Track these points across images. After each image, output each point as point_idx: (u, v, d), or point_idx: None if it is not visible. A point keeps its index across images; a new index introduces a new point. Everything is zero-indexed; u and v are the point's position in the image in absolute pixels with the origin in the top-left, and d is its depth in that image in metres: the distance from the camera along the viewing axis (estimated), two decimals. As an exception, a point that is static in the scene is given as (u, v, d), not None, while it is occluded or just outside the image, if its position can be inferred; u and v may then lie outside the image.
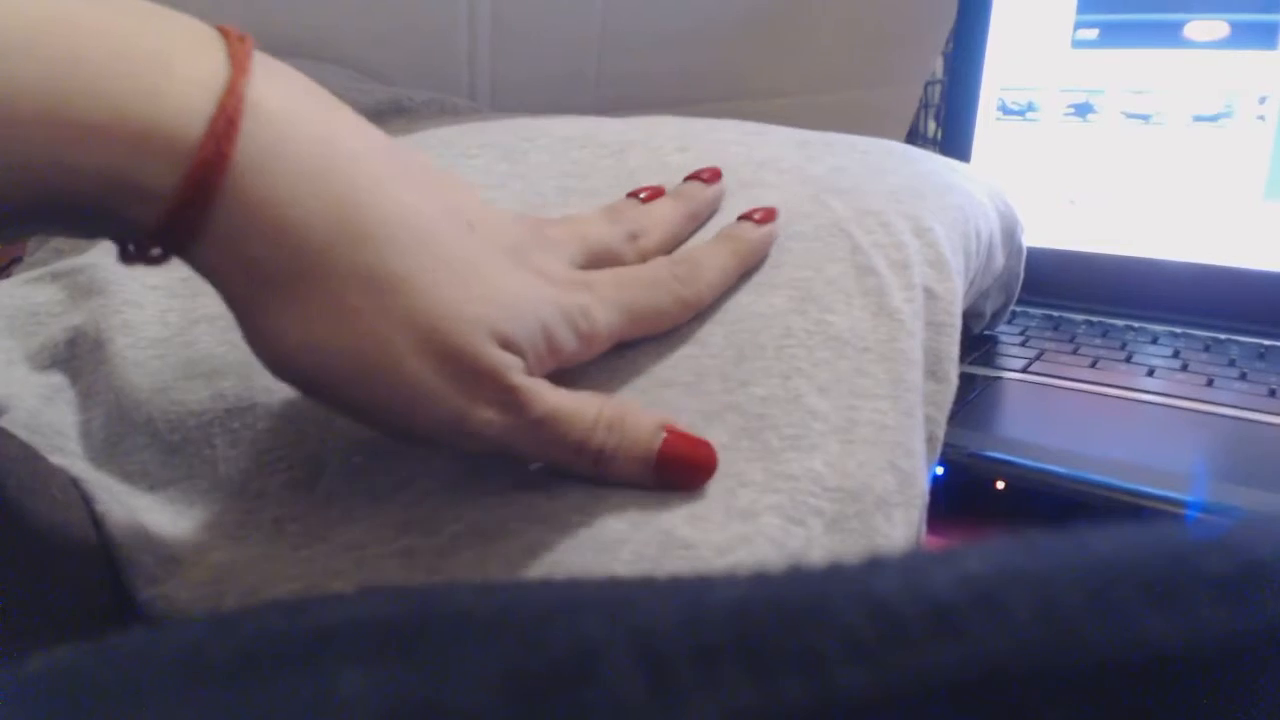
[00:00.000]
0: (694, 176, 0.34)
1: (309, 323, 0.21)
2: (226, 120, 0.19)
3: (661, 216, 0.32)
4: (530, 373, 0.24)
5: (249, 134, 0.20)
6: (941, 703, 0.12)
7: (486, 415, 0.23)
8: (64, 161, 0.19)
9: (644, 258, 0.30)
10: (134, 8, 0.20)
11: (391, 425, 0.23)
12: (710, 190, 0.34)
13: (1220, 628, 0.12)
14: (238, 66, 0.20)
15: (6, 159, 0.19)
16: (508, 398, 0.23)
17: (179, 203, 0.19)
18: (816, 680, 0.12)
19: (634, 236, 0.31)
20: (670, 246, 0.32)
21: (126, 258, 0.21)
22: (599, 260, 0.29)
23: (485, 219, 0.25)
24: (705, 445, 0.26)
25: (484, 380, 0.22)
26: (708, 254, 0.31)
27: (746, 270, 0.31)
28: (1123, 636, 0.12)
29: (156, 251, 0.21)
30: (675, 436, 0.26)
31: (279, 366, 0.22)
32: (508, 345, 0.23)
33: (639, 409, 0.26)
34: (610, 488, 0.25)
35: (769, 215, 0.33)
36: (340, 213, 0.21)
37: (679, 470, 0.25)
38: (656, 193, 0.33)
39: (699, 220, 0.33)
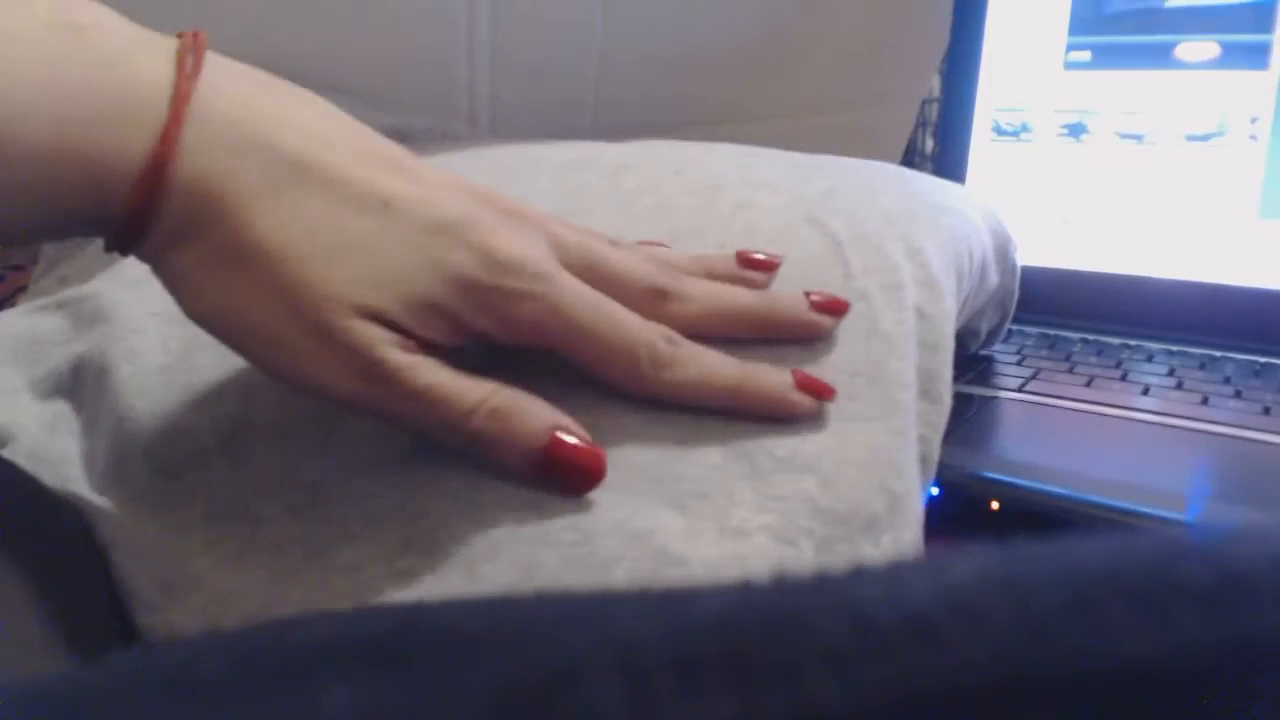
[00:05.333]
0: (807, 293, 0.30)
1: (209, 290, 0.24)
2: (167, 140, 0.23)
3: (720, 298, 0.29)
4: (411, 347, 0.24)
5: (187, 141, 0.23)
6: (920, 712, 0.12)
7: (353, 385, 0.24)
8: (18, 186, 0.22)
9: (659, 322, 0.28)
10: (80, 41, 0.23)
11: (289, 382, 0.25)
12: (806, 317, 0.30)
13: (1199, 638, 0.12)
14: (179, 92, 0.23)
15: None
16: (374, 371, 0.24)
17: (134, 200, 0.23)
18: (795, 690, 0.12)
19: (663, 293, 0.28)
20: (702, 337, 0.28)
21: (107, 246, 0.24)
22: (601, 287, 0.27)
23: (411, 195, 0.25)
24: (594, 454, 0.26)
25: (348, 354, 0.24)
26: (709, 360, 0.28)
27: (736, 408, 0.28)
28: (1102, 646, 0.12)
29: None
30: (560, 442, 0.25)
31: (194, 319, 0.25)
32: (380, 320, 0.24)
33: (536, 405, 0.26)
34: (606, 506, 0.26)
35: (818, 388, 0.28)
36: (235, 195, 0.23)
37: (560, 473, 0.25)
38: (769, 265, 0.31)
39: (765, 333, 0.30)
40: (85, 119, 0.22)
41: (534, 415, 0.26)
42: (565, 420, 0.26)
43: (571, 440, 0.26)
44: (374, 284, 0.24)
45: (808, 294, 0.31)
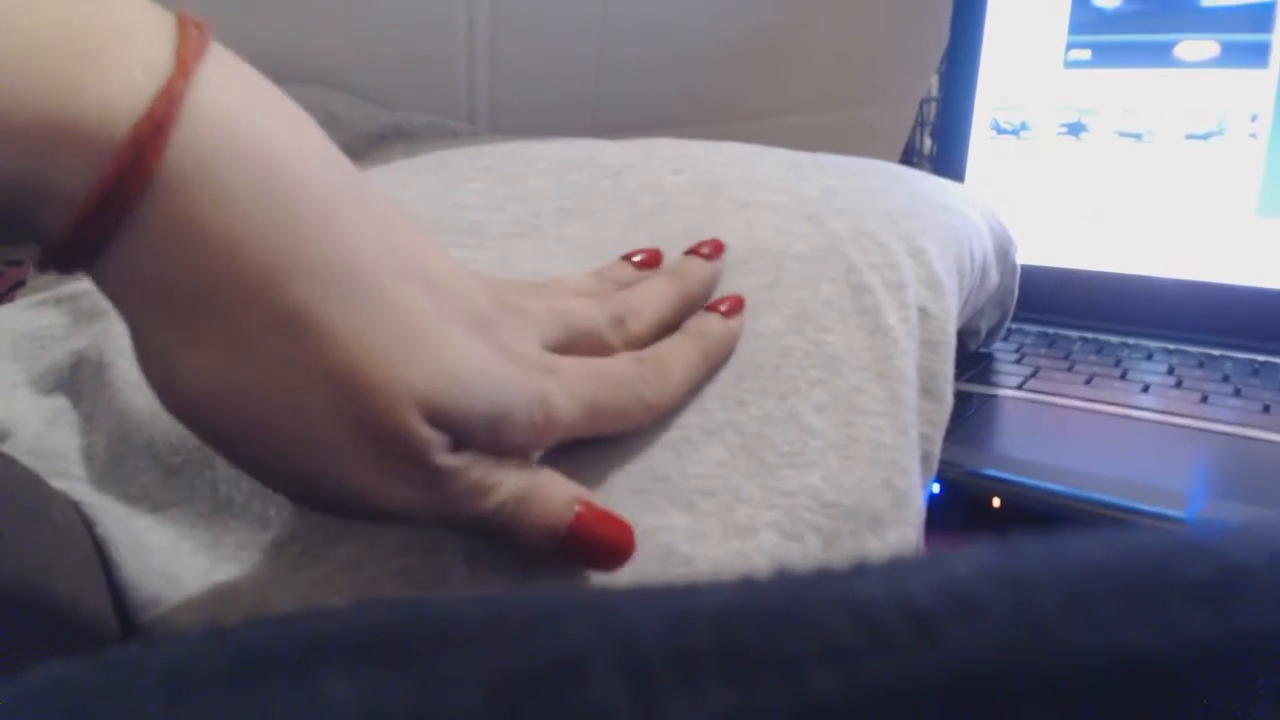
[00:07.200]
0: (694, 251, 0.32)
1: (214, 360, 0.18)
2: (154, 125, 0.17)
3: (654, 299, 0.29)
4: (460, 451, 0.21)
5: (183, 143, 0.17)
6: (919, 706, 0.12)
7: (400, 493, 0.20)
8: None
9: (629, 344, 0.28)
10: None
11: (288, 487, 0.21)
12: (709, 268, 0.32)
13: (1198, 633, 0.12)
14: (181, 64, 0.18)
15: None
16: (426, 477, 0.20)
17: (88, 212, 0.17)
18: (794, 683, 0.12)
19: (621, 321, 0.28)
20: (659, 333, 0.29)
21: (41, 263, 0.19)
22: (577, 343, 0.26)
23: (451, 282, 0.22)
24: (622, 526, 0.24)
25: (403, 457, 0.20)
26: (675, 354, 0.28)
27: (713, 368, 0.29)
28: (1100, 640, 0.12)
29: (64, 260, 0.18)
30: (587, 515, 0.23)
31: (172, 402, 0.19)
32: (440, 422, 0.20)
33: (557, 481, 0.24)
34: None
35: (735, 306, 0.30)
36: (274, 242, 0.18)
37: (589, 548, 0.23)
38: (652, 258, 0.32)
39: (693, 304, 0.31)
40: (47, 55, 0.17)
41: (557, 493, 0.23)
42: (583, 493, 0.24)
43: (598, 510, 0.24)
44: (444, 379, 0.20)
45: (693, 250, 0.32)
